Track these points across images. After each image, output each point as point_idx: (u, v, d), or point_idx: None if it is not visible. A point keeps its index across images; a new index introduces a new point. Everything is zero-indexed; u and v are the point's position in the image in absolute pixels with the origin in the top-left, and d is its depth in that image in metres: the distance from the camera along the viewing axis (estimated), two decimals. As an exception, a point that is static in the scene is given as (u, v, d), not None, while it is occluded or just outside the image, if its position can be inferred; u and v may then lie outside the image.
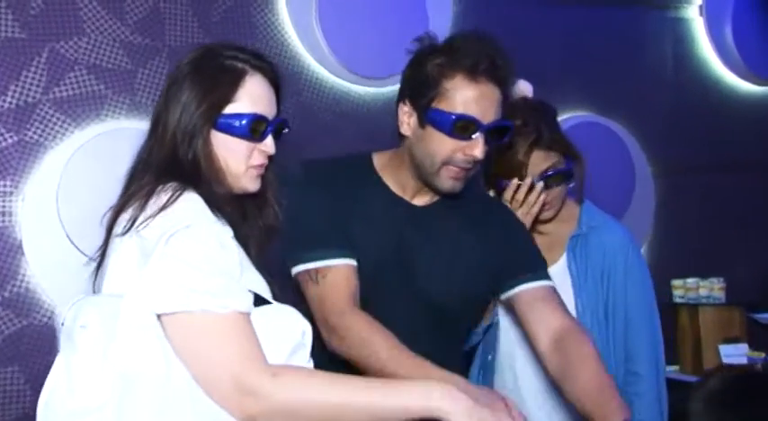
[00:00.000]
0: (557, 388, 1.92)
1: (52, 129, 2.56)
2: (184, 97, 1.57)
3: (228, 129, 1.56)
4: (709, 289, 3.23)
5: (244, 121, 1.55)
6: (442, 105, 1.80)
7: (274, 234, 1.68)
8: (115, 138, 2.53)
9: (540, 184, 2.08)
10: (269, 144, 1.59)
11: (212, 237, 1.46)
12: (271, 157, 1.62)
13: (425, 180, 1.88)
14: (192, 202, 1.49)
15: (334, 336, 1.78)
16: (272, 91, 1.62)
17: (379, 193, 1.93)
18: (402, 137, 1.90)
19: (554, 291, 1.96)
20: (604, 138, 3.36)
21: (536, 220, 2.15)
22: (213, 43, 1.68)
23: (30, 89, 2.54)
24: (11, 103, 2.51)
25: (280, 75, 1.65)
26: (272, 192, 1.67)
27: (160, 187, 1.51)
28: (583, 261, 2.16)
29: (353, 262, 1.86)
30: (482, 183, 2.18)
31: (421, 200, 1.94)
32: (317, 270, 1.84)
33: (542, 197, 2.09)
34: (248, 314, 1.44)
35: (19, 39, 2.54)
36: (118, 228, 1.50)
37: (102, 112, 2.61)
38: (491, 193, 2.16)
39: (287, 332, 1.49)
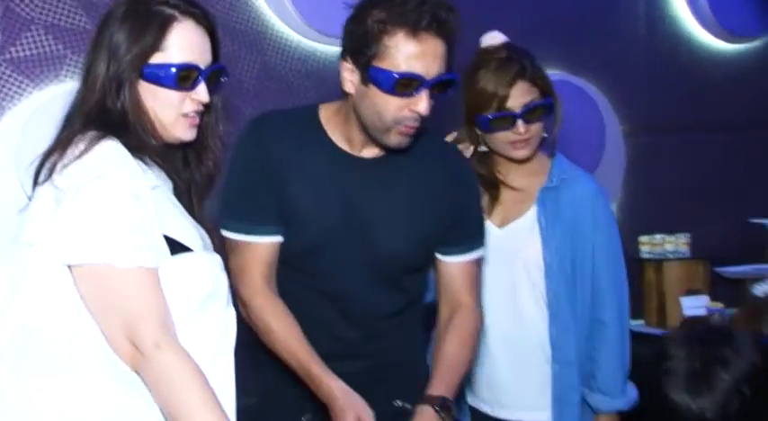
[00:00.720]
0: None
1: (9, 89, 2.48)
2: (112, 44, 1.50)
3: (156, 80, 1.49)
4: (675, 244, 3.20)
5: (172, 70, 1.49)
6: (384, 64, 1.71)
7: (214, 182, 1.64)
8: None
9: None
10: (201, 92, 1.52)
11: (124, 189, 1.40)
12: (208, 105, 1.55)
13: (373, 137, 1.81)
14: (108, 152, 1.43)
15: (243, 310, 1.79)
16: (206, 37, 1.55)
17: (324, 149, 1.86)
18: (345, 94, 1.82)
19: (476, 263, 1.98)
20: (575, 97, 3.26)
21: (508, 169, 2.14)
22: None
23: None
24: None
25: (213, 19, 1.57)
26: (212, 140, 1.61)
27: (80, 136, 1.45)
28: (552, 213, 2.13)
29: (276, 238, 1.83)
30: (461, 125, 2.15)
31: (369, 152, 1.86)
32: (237, 242, 1.83)
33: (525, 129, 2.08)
34: (154, 269, 1.40)
35: None
36: (40, 177, 1.46)
37: (62, 73, 2.52)
38: (477, 132, 2.12)
39: (200, 280, 1.45)
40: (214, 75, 1.55)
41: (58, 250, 1.39)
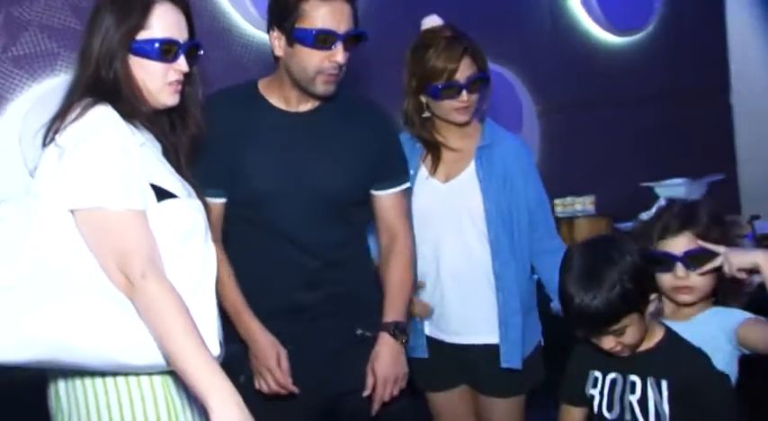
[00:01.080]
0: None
1: (12, 83, 2.53)
2: (104, 26, 1.57)
3: (143, 53, 1.57)
4: (583, 204, 3.35)
5: (156, 45, 1.56)
6: (304, 24, 1.85)
7: (198, 142, 1.70)
8: None
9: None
10: (181, 63, 1.59)
11: (114, 143, 1.47)
12: (188, 75, 1.62)
13: (304, 89, 1.92)
14: (100, 114, 1.50)
15: None
16: (182, 17, 1.62)
17: (263, 111, 1.96)
18: (277, 59, 1.94)
19: (404, 193, 2.09)
20: (496, 81, 3.28)
21: (448, 133, 2.21)
22: None
23: None
24: None
25: (186, 2, 1.64)
26: (193, 105, 1.68)
27: (77, 103, 1.53)
28: (488, 168, 2.19)
29: (217, 200, 1.90)
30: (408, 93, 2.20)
31: (304, 107, 1.96)
32: None
33: (472, 97, 2.15)
34: (142, 211, 1.46)
35: None
36: (46, 139, 1.53)
37: (56, 68, 2.57)
38: (423, 100, 2.18)
39: (180, 221, 1.51)
40: (192, 49, 1.62)
41: (60, 197, 1.45)
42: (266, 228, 1.95)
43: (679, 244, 1.71)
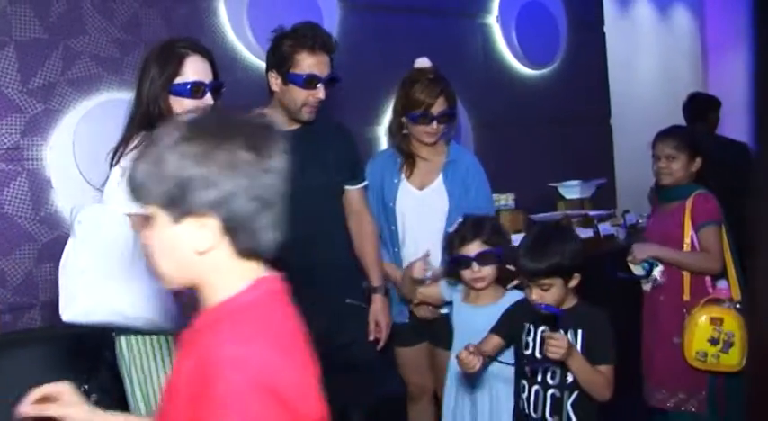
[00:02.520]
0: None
1: (67, 100, 2.61)
2: (150, 74, 1.72)
3: (179, 93, 1.71)
4: (506, 199, 3.47)
5: (188, 87, 1.71)
6: (296, 70, 2.06)
7: None
8: (109, 106, 2.60)
9: (434, 125, 2.25)
10: (208, 98, 1.74)
11: None
12: (213, 106, 1.72)
13: (293, 116, 2.10)
14: None
15: None
16: (207, 64, 1.77)
17: None
18: (272, 92, 2.12)
19: (364, 189, 2.26)
20: None
21: (421, 148, 2.32)
22: (170, 37, 1.83)
23: (51, 72, 2.58)
24: (39, 82, 2.56)
25: (210, 52, 1.79)
26: None
27: (135, 134, 1.69)
28: (453, 178, 2.31)
29: None
30: (392, 120, 2.34)
31: (289, 127, 2.13)
32: None
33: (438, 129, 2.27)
34: None
35: (43, 38, 2.58)
36: (113, 161, 1.70)
37: (101, 88, 2.66)
38: (404, 121, 2.29)
39: None
40: (216, 87, 1.78)
41: (120, 205, 1.58)
42: None
43: (472, 248, 2.00)
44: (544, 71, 4.05)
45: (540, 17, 3.98)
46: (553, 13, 4.05)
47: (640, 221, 3.93)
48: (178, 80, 1.72)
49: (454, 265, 2.03)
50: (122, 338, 1.75)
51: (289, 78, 2.06)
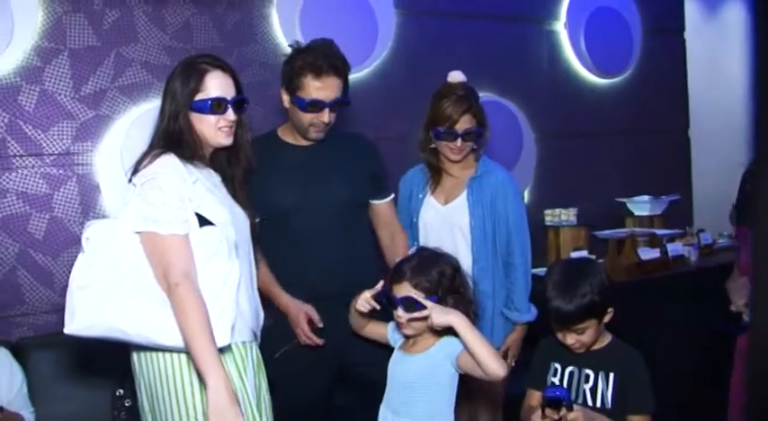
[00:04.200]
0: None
1: (118, 106, 2.66)
2: (172, 90, 1.71)
3: (199, 109, 1.70)
4: (567, 215, 3.36)
5: (209, 102, 1.70)
6: (301, 93, 1.99)
7: (249, 174, 1.83)
8: (158, 113, 2.61)
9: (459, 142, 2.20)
10: (229, 114, 1.72)
11: (168, 184, 1.62)
12: (239, 122, 1.74)
13: (301, 135, 2.08)
14: (164, 161, 1.65)
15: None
16: (230, 79, 1.73)
17: (279, 147, 2.11)
18: (286, 109, 2.09)
19: (392, 204, 2.24)
20: (502, 112, 3.46)
21: (449, 164, 2.27)
22: (193, 54, 1.81)
23: (103, 79, 2.63)
24: (90, 89, 2.62)
25: (232, 68, 1.76)
26: (243, 147, 1.81)
27: (150, 152, 1.70)
28: (477, 194, 2.25)
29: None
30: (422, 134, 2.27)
31: (306, 142, 2.10)
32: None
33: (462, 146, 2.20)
34: (183, 235, 1.60)
35: (96, 46, 2.64)
36: (131, 178, 1.70)
37: (151, 94, 2.69)
38: (431, 135, 2.24)
39: (209, 244, 1.64)
40: (238, 102, 1.74)
41: (129, 222, 1.63)
42: (292, 234, 2.06)
43: (400, 289, 1.72)
44: (615, 80, 3.92)
45: (611, 23, 3.84)
46: (626, 19, 3.90)
47: (719, 241, 3.72)
48: (199, 96, 1.70)
49: (380, 300, 1.78)
50: (134, 354, 1.76)
51: (294, 100, 2.03)
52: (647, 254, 3.25)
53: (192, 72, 1.72)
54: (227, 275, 1.64)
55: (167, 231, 1.60)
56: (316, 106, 2.00)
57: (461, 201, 2.28)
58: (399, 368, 1.79)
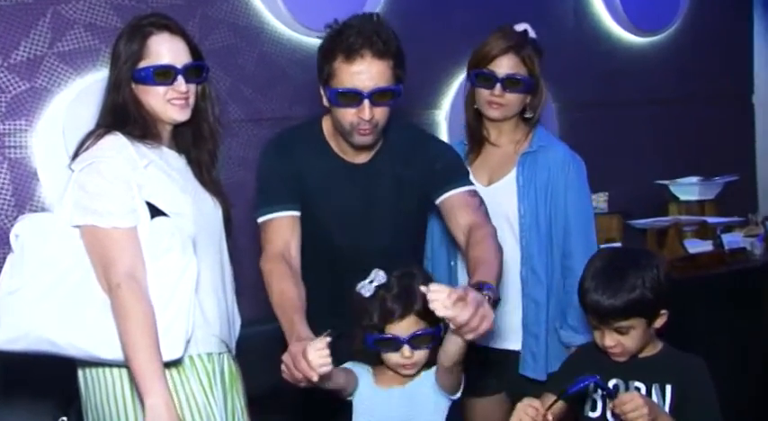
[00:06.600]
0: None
1: (57, 77, 2.62)
2: (115, 57, 1.73)
3: (141, 80, 1.71)
4: (596, 201, 3.22)
5: (152, 71, 1.69)
6: (333, 83, 1.88)
7: (215, 158, 1.83)
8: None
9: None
10: (179, 84, 1.71)
11: (108, 171, 1.63)
12: (202, 93, 1.74)
13: (346, 141, 1.97)
14: (107, 143, 1.66)
15: (263, 277, 1.91)
16: (181, 42, 1.73)
17: (326, 158, 2.03)
18: (328, 111, 2.00)
19: (470, 193, 1.98)
20: None
21: (494, 131, 2.18)
22: (140, 15, 1.78)
23: (37, 44, 2.57)
24: (23, 56, 2.56)
25: (183, 29, 1.75)
26: (207, 125, 1.80)
27: (92, 133, 1.70)
28: (530, 174, 2.15)
29: (292, 213, 1.95)
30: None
31: (360, 158, 2.02)
32: (261, 224, 1.99)
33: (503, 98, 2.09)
34: (127, 229, 1.62)
35: (27, 2, 2.55)
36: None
37: (98, 63, 2.63)
38: (467, 86, 2.16)
39: (162, 237, 1.66)
40: (193, 70, 1.72)
41: (65, 215, 1.65)
42: (329, 251, 2.02)
43: (403, 327, 1.73)
44: (655, 38, 3.89)
45: (650, -32, 3.83)
46: (671, -34, 3.92)
47: (792, 230, 3.69)
48: (142, 64, 1.70)
49: (373, 344, 1.74)
50: (79, 371, 1.76)
51: (327, 94, 1.93)
52: (697, 246, 3.24)
53: (134, 35, 1.73)
54: (181, 274, 1.64)
55: (109, 224, 1.61)
56: (350, 98, 1.86)
57: (509, 181, 2.18)
58: (382, 404, 1.78)
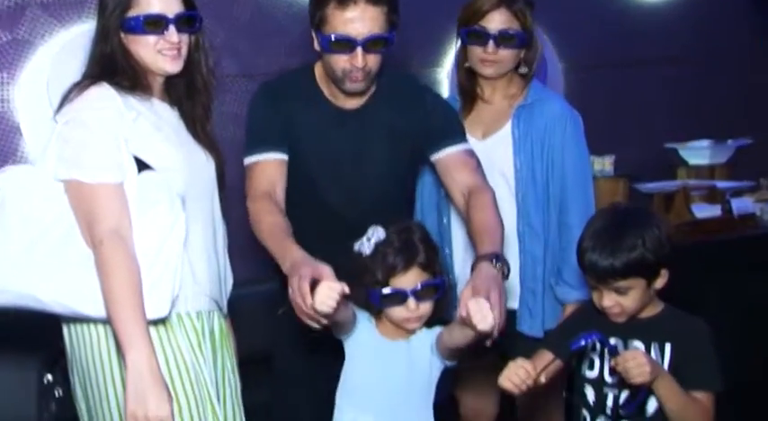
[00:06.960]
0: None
1: (41, 28, 2.61)
2: (101, 7, 1.69)
3: (131, 29, 1.67)
4: (602, 164, 3.31)
5: (142, 20, 1.66)
6: (325, 29, 1.89)
7: (209, 111, 1.81)
8: None
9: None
10: (170, 34, 1.67)
11: (94, 123, 1.60)
12: (196, 44, 1.72)
13: (337, 87, 1.97)
14: (93, 95, 1.63)
15: (249, 218, 1.90)
16: None
17: (318, 103, 2.02)
18: (320, 57, 2.00)
19: (468, 153, 2.00)
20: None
21: (487, 88, 2.17)
22: None
23: None
24: (3, 6, 2.54)
25: None
26: (200, 77, 1.77)
27: (78, 84, 1.66)
28: (525, 127, 2.13)
29: (279, 155, 1.96)
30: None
31: (350, 104, 2.01)
32: (248, 166, 1.98)
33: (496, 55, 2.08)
34: (113, 184, 1.60)
35: None
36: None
37: (84, 14, 2.62)
38: (458, 44, 2.16)
39: (149, 193, 1.63)
40: (185, 20, 1.69)
41: (49, 168, 1.62)
42: (317, 206, 2.02)
43: (408, 279, 1.72)
44: None
45: None
46: None
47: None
48: (131, 12, 1.66)
49: (379, 301, 1.74)
50: (64, 326, 1.74)
51: (319, 40, 1.92)
52: (704, 211, 3.22)
53: None
54: (169, 231, 1.63)
55: (94, 179, 1.59)
56: (342, 45, 1.87)
57: (504, 134, 2.16)
58: (385, 353, 1.79)
